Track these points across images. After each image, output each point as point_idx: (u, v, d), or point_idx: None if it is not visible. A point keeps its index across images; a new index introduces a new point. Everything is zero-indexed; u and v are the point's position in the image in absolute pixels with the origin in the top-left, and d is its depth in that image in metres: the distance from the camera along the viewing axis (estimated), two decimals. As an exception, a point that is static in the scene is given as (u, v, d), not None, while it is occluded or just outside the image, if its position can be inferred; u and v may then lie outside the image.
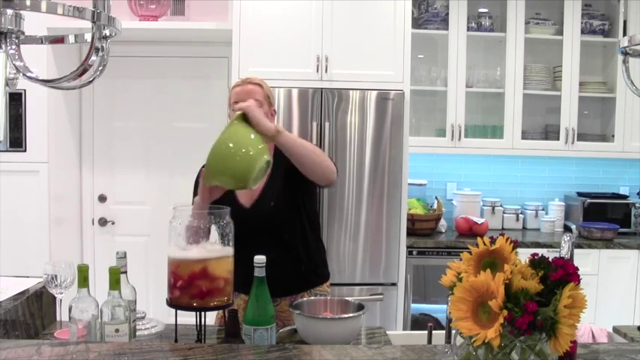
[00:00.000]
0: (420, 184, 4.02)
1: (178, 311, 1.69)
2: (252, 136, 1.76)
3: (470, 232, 3.86)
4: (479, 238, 1.22)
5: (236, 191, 2.11)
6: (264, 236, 2.07)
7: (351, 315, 1.85)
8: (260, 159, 1.73)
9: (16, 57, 1.22)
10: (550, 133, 4.09)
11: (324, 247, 2.31)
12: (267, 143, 1.82)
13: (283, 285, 2.07)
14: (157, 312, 2.27)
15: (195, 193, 2.14)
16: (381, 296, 3.38)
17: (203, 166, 2.21)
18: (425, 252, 3.65)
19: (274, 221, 2.11)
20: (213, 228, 1.71)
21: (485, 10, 4.04)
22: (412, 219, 3.72)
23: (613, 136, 4.03)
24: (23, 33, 1.20)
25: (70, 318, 1.65)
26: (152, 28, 3.74)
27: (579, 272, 1.16)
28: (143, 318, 1.91)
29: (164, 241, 1.76)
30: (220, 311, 2.01)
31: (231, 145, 1.73)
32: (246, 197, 2.13)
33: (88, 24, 1.17)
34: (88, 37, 1.25)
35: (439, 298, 3.59)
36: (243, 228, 2.00)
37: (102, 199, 4.17)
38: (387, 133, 3.46)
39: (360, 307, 1.90)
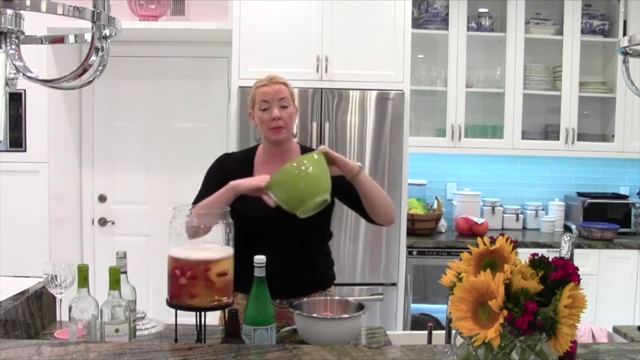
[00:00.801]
0: (420, 184, 4.02)
1: (178, 311, 1.68)
2: (325, 173, 1.83)
3: (470, 232, 3.86)
4: (479, 238, 1.22)
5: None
6: (284, 237, 2.06)
7: (351, 315, 1.85)
8: (320, 195, 1.79)
9: (16, 57, 1.22)
10: (550, 133, 4.09)
11: (330, 250, 2.31)
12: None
13: (296, 287, 2.08)
14: (157, 312, 2.27)
15: (202, 191, 2.14)
16: (381, 296, 3.37)
17: (215, 162, 2.21)
18: (425, 252, 3.65)
19: (298, 225, 2.08)
20: (215, 227, 1.71)
21: (486, 10, 4.04)
22: (412, 219, 3.72)
23: (613, 136, 4.03)
24: (23, 33, 1.20)
25: (70, 318, 1.65)
26: (152, 28, 3.74)
27: (579, 272, 1.16)
28: (143, 318, 1.91)
29: (164, 241, 1.76)
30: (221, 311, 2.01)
31: (303, 168, 1.79)
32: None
33: (88, 24, 1.17)
34: (88, 37, 1.24)
35: (439, 298, 3.59)
36: (263, 226, 2.01)
37: (102, 199, 4.17)
38: (387, 133, 3.46)
39: (360, 307, 1.90)
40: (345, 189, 2.04)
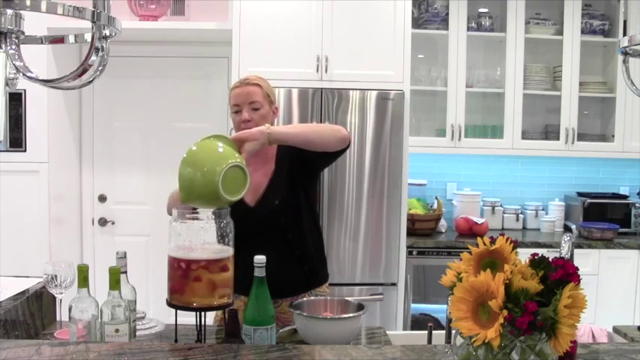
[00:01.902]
0: (420, 184, 4.02)
1: (178, 311, 1.69)
2: (211, 150, 1.72)
3: (470, 232, 3.86)
4: (479, 238, 1.21)
5: None
6: (267, 235, 2.06)
7: (351, 315, 1.85)
8: (217, 170, 1.65)
9: (16, 57, 1.22)
10: (550, 133, 4.09)
11: (324, 248, 2.31)
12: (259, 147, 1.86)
13: (285, 285, 2.06)
14: (156, 312, 2.28)
15: None
16: (381, 296, 3.38)
17: None
18: (425, 252, 3.65)
19: (279, 220, 2.10)
20: (214, 228, 1.71)
21: (486, 10, 4.04)
22: (412, 219, 3.72)
23: (613, 136, 4.03)
24: (23, 33, 1.20)
25: (70, 318, 1.65)
26: (152, 28, 3.74)
27: (579, 272, 1.16)
28: (143, 318, 1.91)
29: (164, 241, 1.76)
30: (220, 311, 2.01)
31: (188, 169, 1.73)
32: (250, 195, 2.11)
33: (88, 24, 1.17)
34: (88, 37, 1.25)
35: (439, 298, 3.59)
36: (246, 227, 2.00)
37: (102, 199, 4.17)
38: (387, 133, 3.46)
39: (360, 307, 1.90)
40: (304, 156, 2.05)
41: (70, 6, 1.09)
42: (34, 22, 1.33)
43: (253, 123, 2.06)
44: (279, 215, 2.10)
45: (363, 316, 1.85)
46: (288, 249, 2.11)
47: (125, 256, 1.78)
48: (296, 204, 2.14)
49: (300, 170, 2.11)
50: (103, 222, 4.18)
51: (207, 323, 1.79)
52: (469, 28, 3.93)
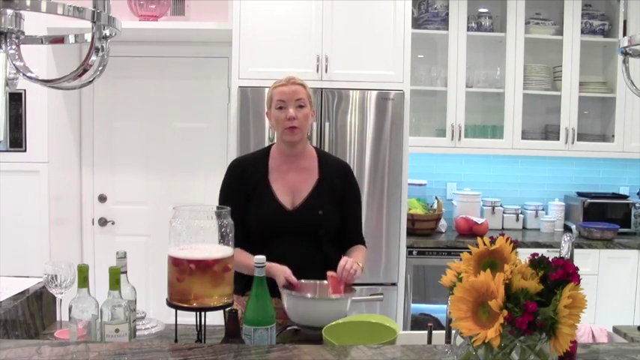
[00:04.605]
0: (420, 184, 4.01)
1: (178, 311, 1.69)
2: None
3: (470, 232, 3.86)
4: (479, 238, 1.21)
5: (274, 189, 2.12)
6: (300, 239, 2.06)
7: (337, 296, 1.91)
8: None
9: (16, 57, 1.22)
10: (550, 133, 4.09)
11: None
12: None
13: None
14: (157, 312, 2.28)
15: (221, 200, 2.14)
16: (381, 296, 3.35)
17: (227, 173, 2.20)
18: (425, 252, 3.65)
19: (317, 230, 2.10)
20: (214, 228, 1.71)
21: (485, 10, 4.04)
22: (412, 219, 3.72)
23: (613, 136, 4.03)
24: (23, 33, 1.20)
25: (70, 318, 1.65)
26: (152, 28, 3.74)
27: (579, 272, 1.16)
28: (143, 318, 1.91)
29: (164, 241, 1.76)
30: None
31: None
32: (286, 197, 2.12)
33: (88, 24, 1.17)
34: (88, 37, 1.24)
35: (439, 298, 3.58)
36: (279, 227, 2.03)
37: (102, 199, 4.17)
38: (387, 133, 3.45)
39: (349, 290, 1.97)
40: (344, 212, 2.17)
41: (70, 6, 1.09)
42: (34, 22, 1.33)
43: (297, 121, 2.07)
44: (320, 226, 2.10)
45: (350, 300, 1.91)
46: (319, 257, 2.11)
47: (125, 256, 1.78)
48: (338, 220, 2.16)
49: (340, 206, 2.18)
50: (103, 222, 4.18)
51: (216, 323, 1.80)
52: (469, 28, 3.93)
